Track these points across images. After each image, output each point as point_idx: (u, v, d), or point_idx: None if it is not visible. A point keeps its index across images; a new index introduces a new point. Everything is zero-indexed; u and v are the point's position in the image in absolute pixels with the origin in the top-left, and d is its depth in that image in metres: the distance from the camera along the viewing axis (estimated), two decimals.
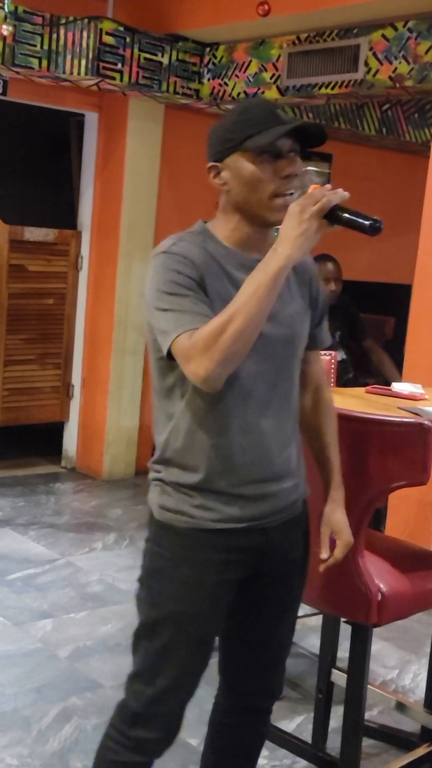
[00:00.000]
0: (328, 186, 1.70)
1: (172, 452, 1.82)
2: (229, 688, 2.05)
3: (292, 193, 1.74)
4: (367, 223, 1.69)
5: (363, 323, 5.36)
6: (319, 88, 4.68)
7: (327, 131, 1.79)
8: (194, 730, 2.37)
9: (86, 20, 4.83)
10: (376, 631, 2.33)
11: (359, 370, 5.23)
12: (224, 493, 1.79)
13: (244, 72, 5.04)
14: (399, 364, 4.73)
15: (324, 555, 1.95)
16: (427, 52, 4.18)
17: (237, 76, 5.08)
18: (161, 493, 1.84)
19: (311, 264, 1.97)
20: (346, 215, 1.69)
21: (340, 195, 1.67)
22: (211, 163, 1.80)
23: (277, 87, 4.86)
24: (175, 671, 1.83)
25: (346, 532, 1.98)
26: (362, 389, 3.05)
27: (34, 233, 5.58)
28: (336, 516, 1.98)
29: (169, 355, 1.71)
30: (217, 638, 1.98)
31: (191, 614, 1.82)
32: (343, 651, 2.65)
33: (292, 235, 1.66)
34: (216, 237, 1.81)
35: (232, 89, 5.12)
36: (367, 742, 2.65)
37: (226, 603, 1.87)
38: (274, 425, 1.82)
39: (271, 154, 1.73)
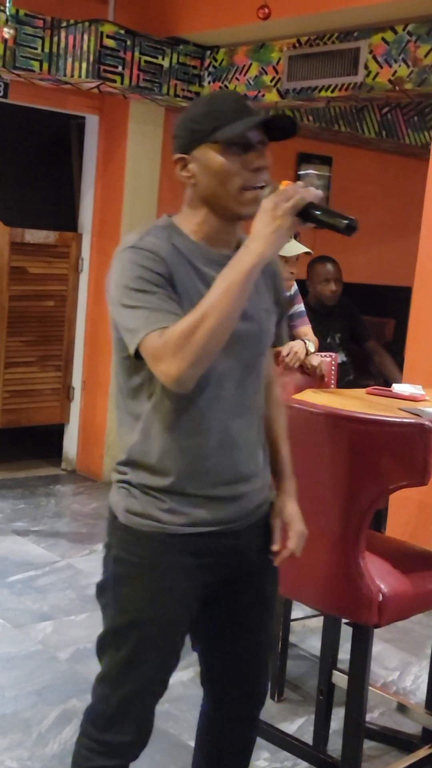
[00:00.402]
0: (301, 183, 1.67)
1: (139, 454, 1.76)
2: (214, 698, 2.01)
3: (262, 186, 1.70)
4: (344, 222, 1.67)
5: (365, 325, 5.36)
6: (319, 91, 4.69)
7: (298, 123, 1.75)
8: (193, 731, 2.36)
9: (87, 23, 4.84)
10: (376, 632, 2.33)
11: (359, 372, 5.24)
12: (194, 495, 1.75)
13: (245, 75, 5.05)
14: (399, 366, 4.74)
15: (276, 547, 1.88)
16: (426, 56, 4.18)
17: (237, 79, 5.09)
18: (127, 495, 1.78)
19: (275, 259, 1.92)
20: (320, 214, 1.67)
21: (314, 193, 1.65)
22: (178, 156, 1.75)
23: (278, 90, 4.87)
24: (143, 675, 1.80)
25: (299, 522, 1.92)
26: (363, 390, 3.06)
27: (34, 235, 5.58)
28: (288, 507, 1.92)
29: (137, 354, 1.66)
30: (197, 649, 1.96)
31: (159, 620, 1.78)
32: (344, 653, 2.66)
33: (265, 232, 1.62)
34: (183, 231, 1.76)
35: None
36: (368, 744, 2.65)
37: (196, 608, 1.83)
38: (243, 425, 1.79)
39: (240, 147, 1.69)
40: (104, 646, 1.85)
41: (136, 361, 1.69)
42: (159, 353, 1.61)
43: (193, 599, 1.82)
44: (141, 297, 1.65)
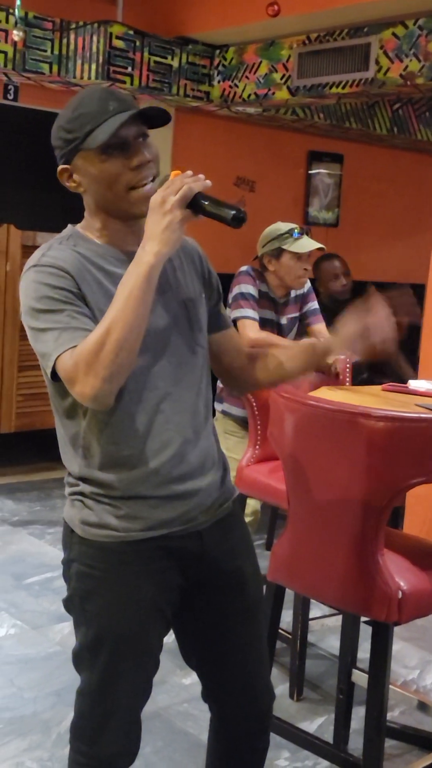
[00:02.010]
0: (189, 172, 1.60)
1: (86, 470, 1.73)
2: (218, 714, 1.96)
3: (152, 180, 1.66)
4: (230, 213, 1.58)
5: None
6: (330, 88, 4.68)
7: (167, 111, 1.68)
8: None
9: (96, 24, 4.84)
10: (396, 631, 2.31)
11: (373, 371, 5.22)
12: (148, 497, 1.71)
13: (255, 73, 5.04)
14: (414, 363, 4.72)
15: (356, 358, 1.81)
16: None
17: (247, 77, 5.08)
18: (82, 507, 1.73)
19: (193, 243, 1.87)
20: (207, 204, 1.59)
21: (202, 183, 1.58)
22: (61, 167, 1.71)
23: (288, 87, 4.86)
24: (121, 688, 1.75)
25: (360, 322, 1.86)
26: (379, 387, 3.04)
27: (45, 238, 5.52)
28: (346, 328, 1.85)
29: (55, 377, 1.60)
30: (192, 665, 1.92)
31: (130, 631, 1.73)
32: (363, 651, 2.64)
33: (157, 230, 1.56)
34: (88, 237, 1.72)
35: (243, 91, 5.12)
36: (388, 743, 2.63)
37: (170, 611, 1.78)
38: (184, 420, 1.74)
39: (116, 147, 1.63)
40: (79, 662, 1.80)
41: (60, 383, 1.63)
42: (71, 375, 1.56)
43: (165, 603, 1.77)
44: (49, 317, 1.59)
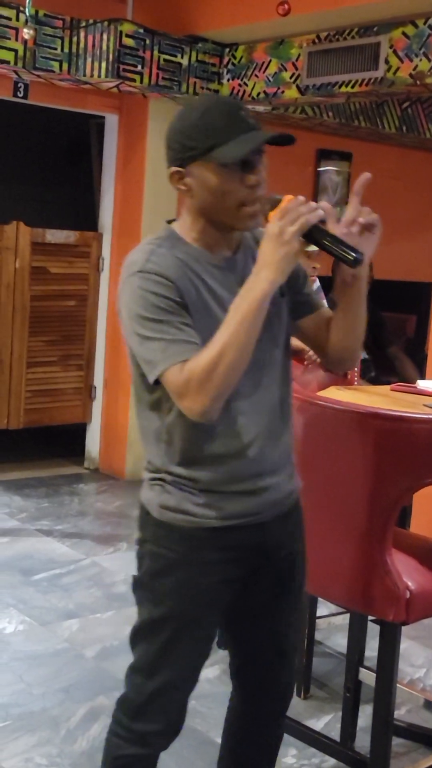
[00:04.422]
0: (302, 198, 1.64)
1: (167, 460, 1.79)
2: (243, 692, 2.03)
3: (261, 201, 1.69)
4: (351, 254, 1.65)
5: (388, 330, 5.35)
6: (339, 87, 4.67)
7: (293, 136, 1.70)
8: (221, 728, 2.37)
9: (106, 23, 4.85)
10: (402, 630, 2.32)
11: (380, 369, 5.23)
12: (225, 492, 1.78)
13: (264, 72, 5.04)
14: (421, 361, 4.72)
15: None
16: None
17: (257, 76, 5.08)
18: (161, 492, 1.80)
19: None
20: (327, 242, 1.65)
21: (318, 214, 1.63)
22: (174, 169, 1.72)
23: (297, 86, 4.86)
24: (176, 667, 1.83)
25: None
26: (387, 387, 3.05)
27: (55, 235, 5.60)
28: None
29: (155, 382, 1.68)
30: (224, 646, 1.99)
31: (192, 613, 1.81)
32: (370, 650, 2.65)
33: (274, 260, 1.62)
34: (184, 239, 1.76)
35: (252, 89, 5.12)
36: (395, 741, 2.64)
37: (227, 601, 1.86)
38: (265, 420, 1.79)
39: (237, 164, 1.67)
40: (138, 637, 1.88)
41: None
42: (181, 390, 1.63)
43: (225, 593, 1.84)
44: (156, 327, 1.65)
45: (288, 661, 1.99)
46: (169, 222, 1.82)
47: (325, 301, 3.90)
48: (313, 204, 1.64)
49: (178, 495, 1.78)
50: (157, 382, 1.68)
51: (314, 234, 1.64)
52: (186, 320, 1.67)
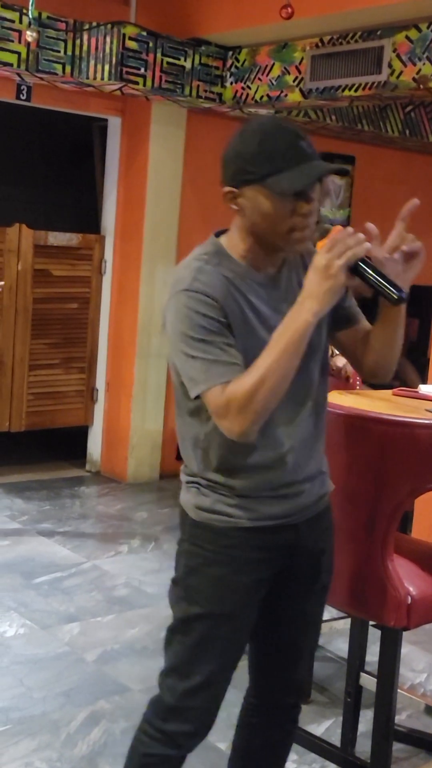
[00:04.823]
0: (350, 230, 1.68)
1: (203, 467, 1.84)
2: (259, 686, 2.06)
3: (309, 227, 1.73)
4: (395, 293, 1.69)
5: None
6: (343, 91, 4.67)
7: (348, 170, 1.75)
8: (222, 734, 2.36)
9: (109, 25, 4.85)
10: (404, 634, 2.32)
11: None
12: (259, 497, 1.82)
13: (267, 75, 5.04)
14: (423, 366, 4.71)
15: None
16: None
17: (260, 79, 5.08)
18: (197, 494, 1.85)
19: (310, 253, 1.91)
20: (373, 278, 1.69)
21: (365, 247, 1.67)
22: (228, 189, 1.75)
23: (300, 90, 4.86)
24: (209, 666, 1.85)
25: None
26: (389, 392, 3.04)
27: (58, 238, 5.60)
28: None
29: (195, 397, 1.73)
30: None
31: (226, 611, 1.84)
32: (371, 655, 2.64)
33: (320, 291, 1.66)
34: (231, 255, 1.79)
35: (255, 92, 5.12)
36: (395, 746, 2.63)
37: (258, 601, 1.89)
38: (301, 431, 1.84)
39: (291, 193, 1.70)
40: (172, 637, 1.90)
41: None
42: (221, 411, 1.68)
43: (257, 592, 1.87)
44: (200, 347, 1.69)
45: (306, 659, 2.05)
46: (217, 235, 1.84)
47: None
48: (360, 236, 1.68)
49: (213, 497, 1.83)
50: (197, 398, 1.73)
51: (360, 268, 1.69)
52: (229, 340, 1.71)
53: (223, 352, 1.69)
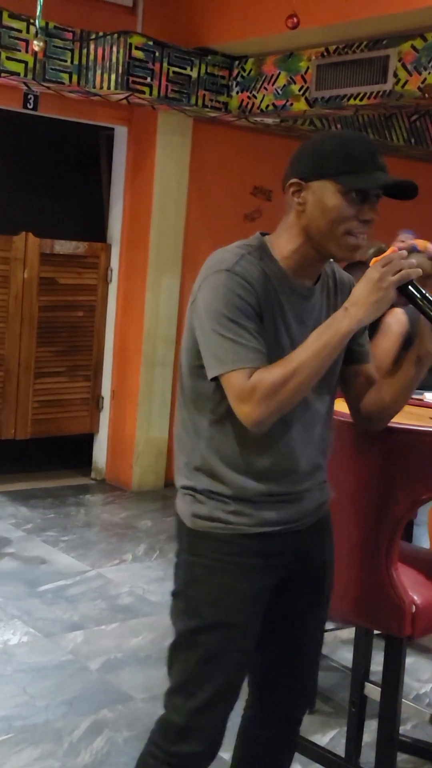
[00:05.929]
0: (404, 253, 1.72)
1: (202, 462, 1.81)
2: (260, 698, 2.03)
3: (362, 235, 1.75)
4: None
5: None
6: (348, 100, 4.68)
7: (418, 190, 1.77)
8: (225, 744, 2.36)
9: (116, 35, 4.87)
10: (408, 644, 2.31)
11: None
12: (257, 501, 1.80)
13: (273, 84, 5.05)
14: (428, 374, 4.69)
15: None
16: None
17: (266, 88, 5.10)
18: (193, 501, 1.83)
19: (348, 277, 1.95)
20: (421, 300, 1.73)
21: (417, 271, 1.70)
22: (295, 180, 1.75)
23: (306, 99, 4.87)
24: (217, 681, 1.81)
25: None
26: None
27: (64, 246, 5.62)
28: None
29: (213, 378, 1.71)
30: None
31: (230, 621, 1.81)
32: (376, 664, 2.63)
33: (368, 301, 1.69)
34: (273, 255, 1.78)
35: (261, 102, 5.13)
36: (400, 757, 2.62)
37: (262, 612, 1.86)
38: (306, 441, 1.83)
39: (359, 195, 1.72)
40: (176, 654, 1.85)
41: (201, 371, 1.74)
42: (244, 395, 1.67)
43: (261, 601, 1.84)
44: (233, 328, 1.68)
45: (313, 670, 2.02)
46: (263, 235, 1.84)
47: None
48: (413, 260, 1.71)
49: (209, 504, 1.81)
50: (214, 380, 1.71)
51: (409, 289, 1.72)
52: (260, 329, 1.72)
53: (254, 338, 1.69)
